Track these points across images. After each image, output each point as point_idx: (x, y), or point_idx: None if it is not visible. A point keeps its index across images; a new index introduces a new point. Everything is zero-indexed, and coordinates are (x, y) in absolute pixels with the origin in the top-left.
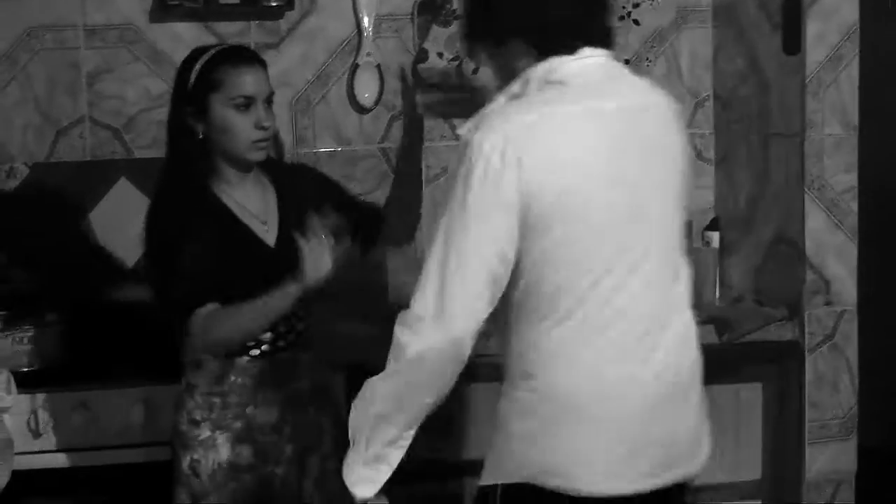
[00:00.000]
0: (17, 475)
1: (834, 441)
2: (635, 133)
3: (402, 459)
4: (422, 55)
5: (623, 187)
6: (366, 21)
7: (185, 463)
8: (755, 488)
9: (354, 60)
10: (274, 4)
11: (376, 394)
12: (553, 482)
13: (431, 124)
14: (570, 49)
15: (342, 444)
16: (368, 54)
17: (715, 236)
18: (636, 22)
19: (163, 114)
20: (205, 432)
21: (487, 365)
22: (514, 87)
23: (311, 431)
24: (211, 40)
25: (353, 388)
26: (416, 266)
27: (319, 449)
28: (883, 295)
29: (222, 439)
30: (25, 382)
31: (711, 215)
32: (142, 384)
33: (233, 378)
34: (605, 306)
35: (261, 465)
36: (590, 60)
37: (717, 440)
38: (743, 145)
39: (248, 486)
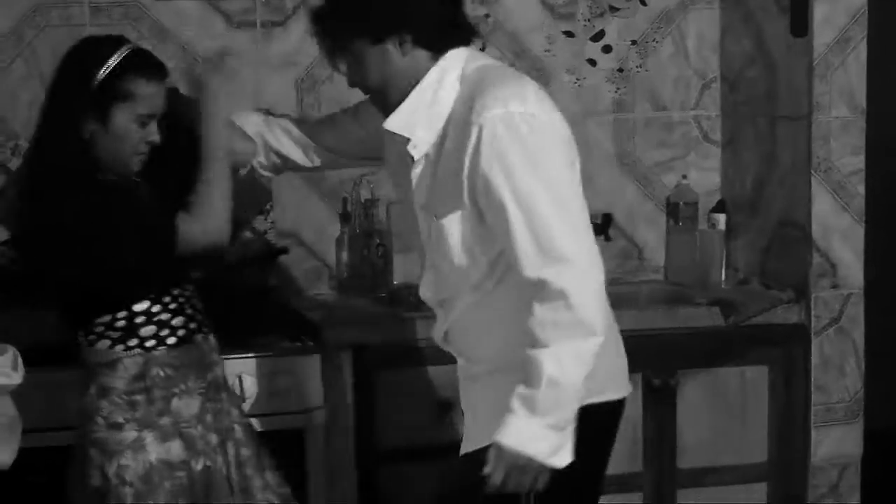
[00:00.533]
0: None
1: (840, 424)
2: None
3: None
4: None
5: None
6: None
7: (111, 471)
8: (761, 471)
9: None
10: None
11: (581, 357)
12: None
13: None
14: (466, 42)
15: (249, 431)
16: None
17: (721, 218)
18: (643, 2)
19: None
20: (130, 434)
21: None
22: (431, 77)
23: (225, 419)
24: (216, 18)
25: (359, 368)
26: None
27: (233, 436)
28: (890, 278)
29: (150, 438)
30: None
31: (717, 197)
32: None
33: (154, 371)
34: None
35: (192, 458)
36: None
37: (722, 423)
38: (750, 127)
39: (184, 483)
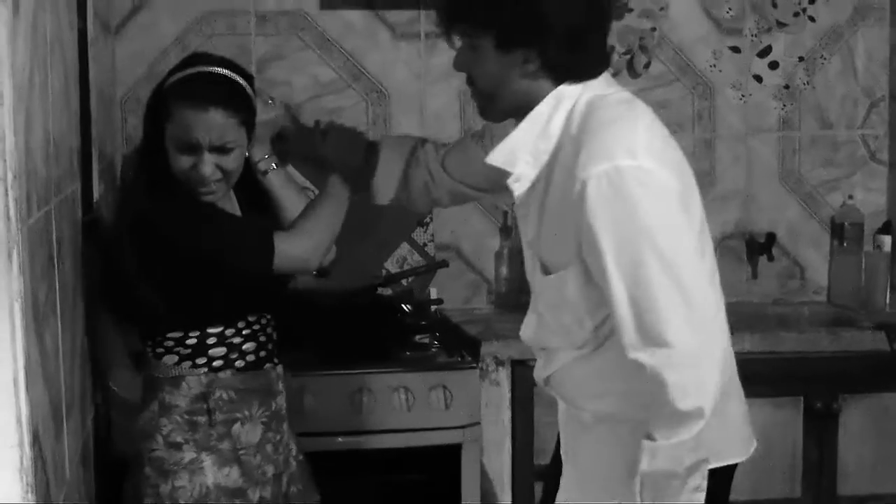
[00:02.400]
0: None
1: None
2: None
3: None
4: None
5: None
6: None
7: (165, 491)
8: None
9: None
10: None
11: (678, 448)
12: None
13: None
14: (586, 78)
15: (304, 467)
16: None
17: (887, 240)
18: (811, 18)
19: (332, 102)
20: (188, 455)
21: None
22: (543, 109)
23: (283, 451)
24: (381, 29)
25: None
26: None
27: (288, 470)
28: None
29: (209, 461)
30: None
31: (884, 218)
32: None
33: (218, 393)
34: (715, 289)
35: (249, 487)
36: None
37: (885, 449)
38: None
39: None
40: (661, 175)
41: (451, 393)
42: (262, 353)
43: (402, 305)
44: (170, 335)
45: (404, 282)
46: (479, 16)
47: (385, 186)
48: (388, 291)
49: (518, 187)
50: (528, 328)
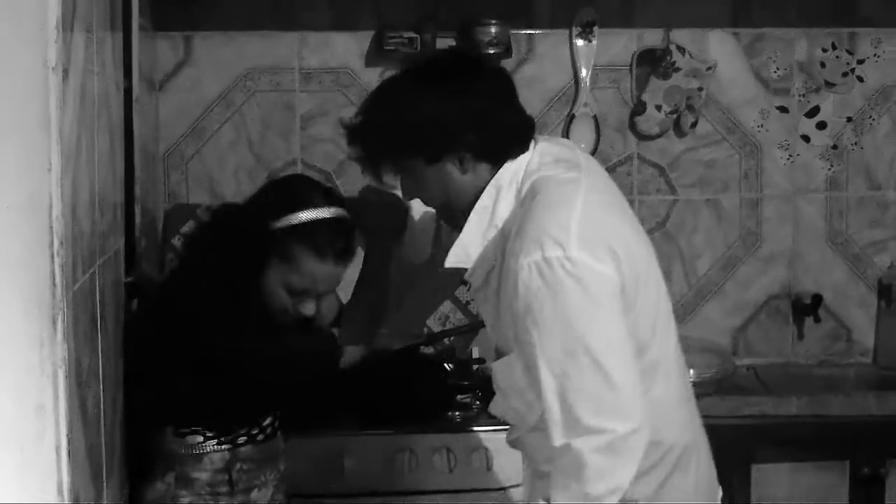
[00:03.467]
0: None
1: None
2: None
3: None
4: (639, 107)
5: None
6: (583, 71)
7: None
8: None
9: (571, 111)
10: (491, 52)
11: None
12: None
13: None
14: (525, 148)
15: None
16: (585, 105)
17: None
18: (860, 78)
19: None
20: None
21: None
22: (485, 199)
23: None
24: None
25: None
26: None
27: None
28: None
29: None
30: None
31: None
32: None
33: (238, 466)
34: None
35: None
36: (544, 146)
37: None
38: None
39: None
40: (590, 263)
41: (492, 454)
42: (276, 423)
43: (445, 364)
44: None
45: (446, 340)
46: (398, 147)
47: (421, 245)
48: (430, 350)
49: (474, 279)
50: (495, 406)
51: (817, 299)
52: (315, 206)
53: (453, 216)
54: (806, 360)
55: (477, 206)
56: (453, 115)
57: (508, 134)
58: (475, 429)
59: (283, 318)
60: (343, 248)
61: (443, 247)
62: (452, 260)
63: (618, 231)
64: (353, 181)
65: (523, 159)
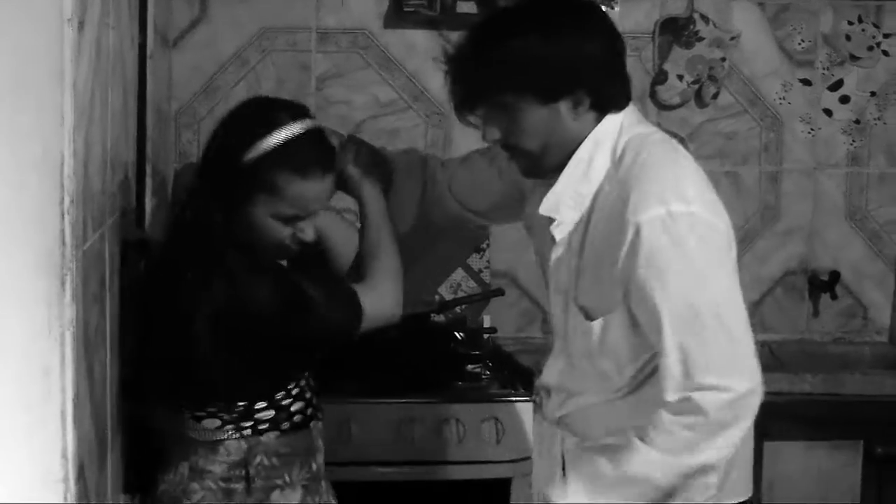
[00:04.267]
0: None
1: None
2: None
3: None
4: (661, 76)
5: None
6: None
7: None
8: None
9: None
10: None
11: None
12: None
13: None
14: (625, 104)
15: None
16: None
17: None
18: (885, 52)
19: (391, 122)
20: None
21: None
22: (584, 150)
23: None
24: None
25: None
26: None
27: None
28: None
29: None
30: None
31: None
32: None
33: (258, 459)
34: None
35: None
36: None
37: None
38: None
39: None
40: (712, 220)
41: (502, 425)
42: (309, 411)
43: (455, 333)
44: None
45: (458, 309)
46: (516, 81)
47: (405, 212)
48: (440, 318)
49: (559, 232)
50: (553, 373)
51: (835, 276)
52: (282, 124)
53: (542, 166)
54: (821, 337)
55: (575, 156)
56: (581, 55)
57: (623, 84)
58: (485, 400)
59: (284, 251)
60: (324, 157)
61: (435, 213)
62: (546, 207)
63: (711, 188)
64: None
65: (620, 115)
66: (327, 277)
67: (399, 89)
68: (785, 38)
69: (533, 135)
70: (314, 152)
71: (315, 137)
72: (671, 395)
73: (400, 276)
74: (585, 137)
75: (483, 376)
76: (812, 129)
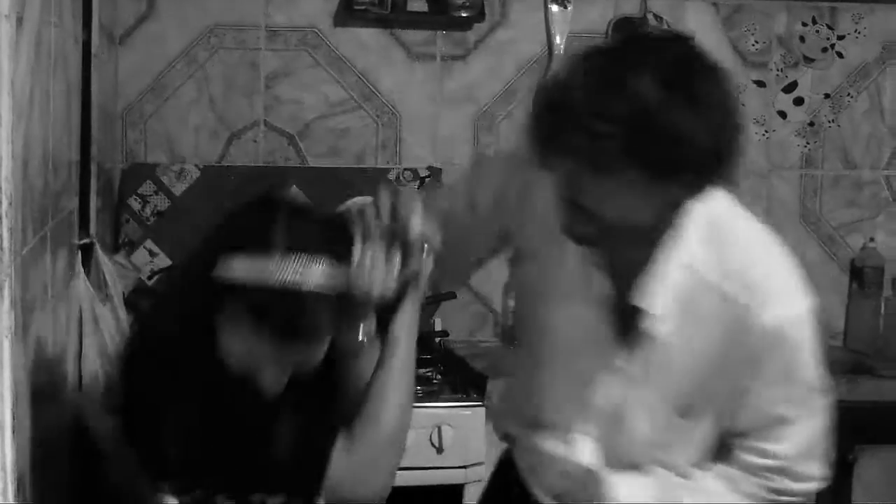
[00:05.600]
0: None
1: None
2: None
3: None
4: None
5: None
6: (557, 38)
7: None
8: None
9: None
10: (464, 15)
11: None
12: None
13: None
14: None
15: None
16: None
17: None
18: (840, 55)
19: (341, 122)
20: None
21: None
22: (690, 232)
23: None
24: (396, 49)
25: None
26: None
27: None
28: None
29: None
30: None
31: None
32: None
33: None
34: None
35: None
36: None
37: None
38: None
39: None
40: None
41: (454, 430)
42: None
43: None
44: None
45: None
46: (644, 154)
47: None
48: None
49: (664, 328)
50: (590, 452)
51: None
52: (268, 246)
53: (606, 238)
54: None
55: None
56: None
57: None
58: (436, 405)
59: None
60: (303, 324)
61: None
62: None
63: None
64: (317, 145)
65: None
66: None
67: (349, 88)
68: (739, 39)
69: (627, 209)
70: (290, 310)
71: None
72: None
73: (403, 444)
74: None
75: (434, 381)
76: (766, 132)
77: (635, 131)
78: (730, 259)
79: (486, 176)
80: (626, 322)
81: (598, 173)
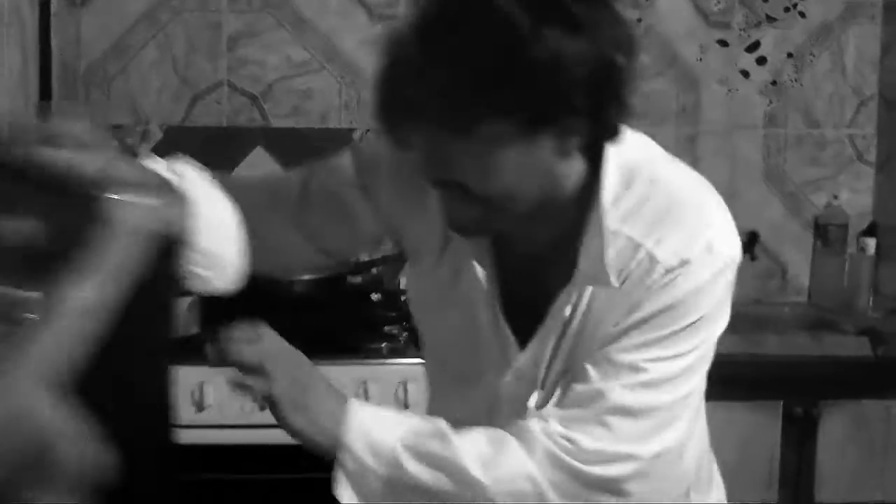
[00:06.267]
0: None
1: None
2: None
3: None
4: None
5: None
6: None
7: None
8: None
9: None
10: None
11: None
12: None
13: None
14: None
15: None
16: None
17: (871, 243)
18: (802, 14)
19: (303, 83)
20: None
21: None
22: (610, 180)
23: None
24: (358, 10)
25: None
26: None
27: None
28: None
29: None
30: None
31: (869, 220)
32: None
33: None
34: None
35: None
36: None
37: (865, 457)
38: None
39: None
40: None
41: (418, 386)
42: None
43: (371, 295)
44: None
45: (374, 270)
46: (502, 98)
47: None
48: (356, 280)
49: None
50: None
51: (753, 237)
52: None
53: (503, 220)
54: (740, 297)
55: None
56: (598, 56)
57: (628, 104)
58: (400, 362)
59: None
60: None
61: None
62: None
63: None
64: (281, 106)
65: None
66: None
67: (312, 49)
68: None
69: (502, 176)
70: None
71: None
72: None
73: None
74: (573, 183)
75: (400, 338)
76: (729, 90)
77: (486, 71)
78: (653, 210)
79: (373, 171)
80: (530, 315)
81: (456, 135)
